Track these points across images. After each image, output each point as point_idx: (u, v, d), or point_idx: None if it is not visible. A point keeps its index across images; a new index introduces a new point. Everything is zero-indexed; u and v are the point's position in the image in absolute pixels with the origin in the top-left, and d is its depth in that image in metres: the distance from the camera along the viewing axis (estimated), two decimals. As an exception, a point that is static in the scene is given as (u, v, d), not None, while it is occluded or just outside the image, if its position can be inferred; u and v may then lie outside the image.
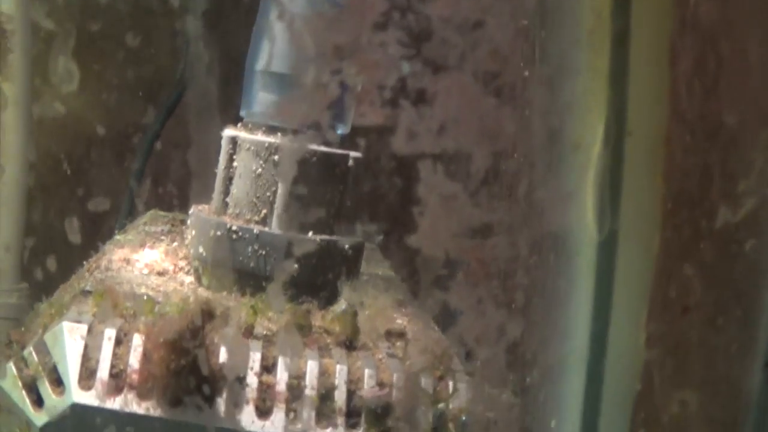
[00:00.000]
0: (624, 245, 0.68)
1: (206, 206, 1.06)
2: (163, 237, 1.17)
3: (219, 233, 0.99)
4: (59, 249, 1.16)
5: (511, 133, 0.67)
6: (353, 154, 1.02)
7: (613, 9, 0.68)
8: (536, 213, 0.70)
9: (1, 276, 1.36)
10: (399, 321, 1.01)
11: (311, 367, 0.86)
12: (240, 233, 0.99)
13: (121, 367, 0.84)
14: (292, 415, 0.85)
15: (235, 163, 1.02)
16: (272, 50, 0.96)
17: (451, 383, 0.88)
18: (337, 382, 0.86)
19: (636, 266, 0.68)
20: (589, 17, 0.67)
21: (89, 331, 0.85)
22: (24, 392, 0.84)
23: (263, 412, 0.84)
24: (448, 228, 0.65)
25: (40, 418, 0.83)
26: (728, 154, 0.68)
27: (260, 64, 1.01)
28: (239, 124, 1.05)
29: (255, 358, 0.86)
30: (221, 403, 0.83)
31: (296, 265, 0.96)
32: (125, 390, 0.83)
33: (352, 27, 0.62)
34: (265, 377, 0.86)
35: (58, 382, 0.84)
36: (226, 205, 1.03)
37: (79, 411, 0.82)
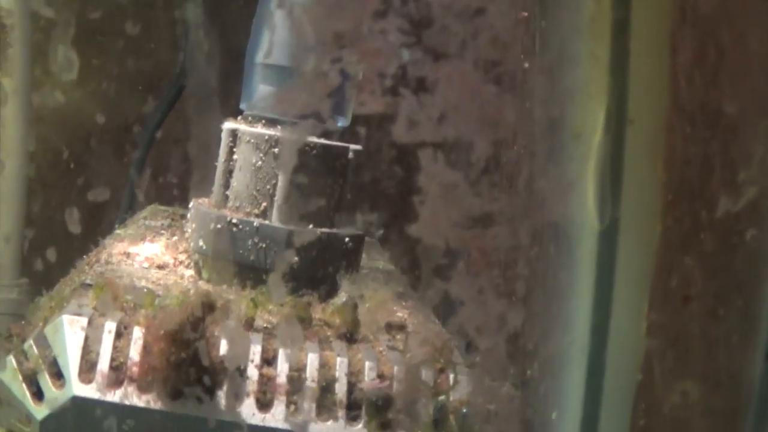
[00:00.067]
0: (625, 234, 0.68)
1: (206, 199, 1.06)
2: (163, 231, 1.17)
3: (219, 226, 0.99)
4: (59, 243, 1.16)
5: (511, 122, 0.67)
6: (353, 146, 1.02)
7: (614, -3, 0.68)
8: (537, 202, 0.69)
9: (1, 271, 1.36)
10: (399, 314, 1.01)
11: (312, 360, 0.86)
12: (240, 226, 0.98)
13: (122, 360, 0.84)
14: (292, 407, 0.84)
15: (235, 156, 1.02)
16: (272, 42, 0.96)
17: (451, 376, 0.88)
18: (337, 374, 0.86)
19: (637, 255, 0.68)
20: (590, 5, 0.66)
21: (89, 323, 0.85)
22: (24, 385, 0.84)
23: (264, 405, 0.84)
24: (449, 217, 0.65)
25: (40, 411, 0.83)
26: (729, 143, 0.68)
27: (260, 56, 1.01)
28: (239, 117, 1.05)
29: (255, 351, 0.86)
30: (222, 396, 0.83)
31: (296, 258, 0.96)
32: (125, 383, 0.83)
33: (353, 15, 0.62)
34: (266, 370, 0.86)
35: (58, 375, 0.84)
36: (226, 198, 1.03)
37: (79, 404, 0.82)
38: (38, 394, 0.84)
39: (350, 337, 0.92)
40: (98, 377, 0.83)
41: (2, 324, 1.32)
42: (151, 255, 1.05)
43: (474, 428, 0.83)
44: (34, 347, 0.85)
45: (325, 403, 0.85)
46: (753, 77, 0.68)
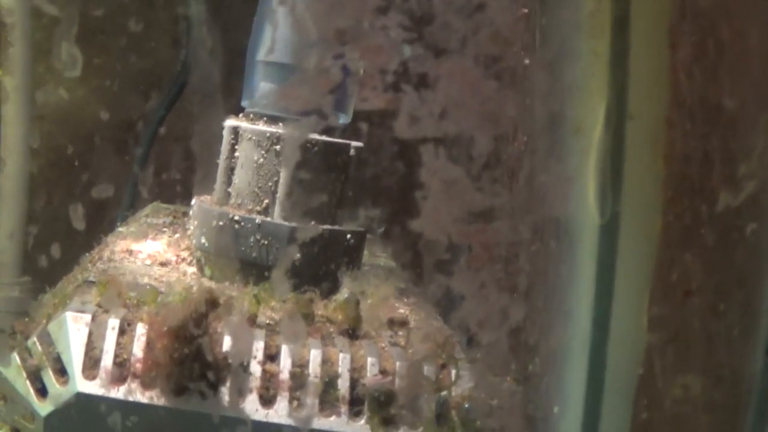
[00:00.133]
0: (626, 229, 0.68)
1: (208, 197, 1.07)
2: (165, 229, 1.18)
3: (221, 223, 0.99)
4: (60, 241, 1.16)
5: (512, 117, 0.67)
6: (354, 143, 1.02)
7: (614, -7, 0.68)
8: (537, 197, 0.70)
9: (3, 269, 1.36)
10: (401, 310, 1.01)
11: (314, 356, 0.87)
12: (242, 223, 0.99)
13: (125, 357, 0.84)
14: (295, 403, 0.85)
15: (236, 153, 1.03)
16: (273, 40, 0.96)
17: (453, 371, 0.88)
18: (340, 370, 0.86)
19: (638, 250, 0.69)
20: (590, 2, 0.67)
21: (93, 320, 0.86)
22: (28, 382, 0.84)
23: (267, 401, 0.84)
24: (451, 212, 0.65)
25: (44, 408, 0.83)
26: (729, 137, 0.68)
27: (261, 53, 1.01)
28: (241, 115, 1.05)
29: (258, 347, 0.86)
30: (225, 392, 0.84)
31: (298, 255, 0.96)
32: (129, 379, 0.83)
33: (354, 11, 0.62)
34: (269, 366, 0.86)
35: (61, 372, 0.84)
36: (228, 195, 1.03)
37: (83, 400, 0.82)
38: (42, 391, 0.84)
39: (352, 333, 0.92)
40: (102, 374, 0.83)
41: (4, 322, 1.32)
42: (153, 252, 1.06)
43: (476, 423, 0.83)
44: (38, 344, 0.85)
45: (327, 399, 0.85)
46: (752, 72, 0.68)
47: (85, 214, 1.28)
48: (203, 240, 1.01)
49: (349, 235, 1.01)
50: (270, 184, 1.00)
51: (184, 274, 1.02)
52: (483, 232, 0.67)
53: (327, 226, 1.00)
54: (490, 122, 0.65)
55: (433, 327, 0.97)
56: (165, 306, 0.86)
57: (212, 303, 0.84)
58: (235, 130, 1.03)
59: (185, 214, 1.23)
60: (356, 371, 0.87)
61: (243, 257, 0.99)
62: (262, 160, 1.00)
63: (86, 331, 0.85)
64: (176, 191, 1.43)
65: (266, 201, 1.01)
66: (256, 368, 0.85)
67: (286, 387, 0.85)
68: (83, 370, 0.83)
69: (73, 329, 0.85)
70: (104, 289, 0.90)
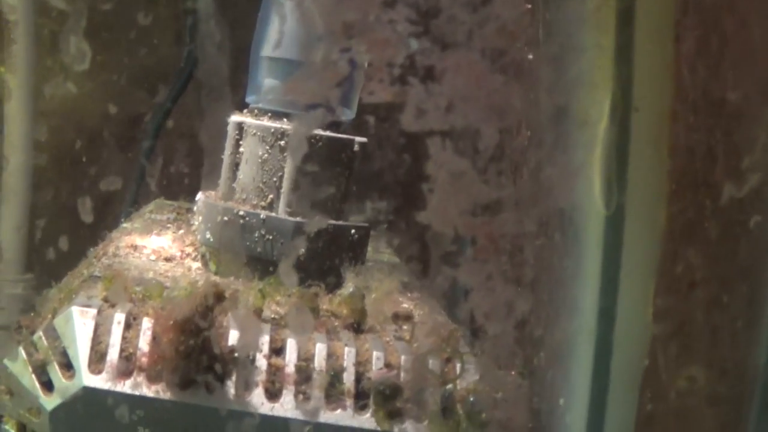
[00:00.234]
0: (631, 220, 0.68)
1: (212, 192, 1.07)
2: (169, 225, 1.18)
3: (226, 218, 1.00)
4: (64, 236, 1.16)
5: (518, 110, 0.68)
6: (358, 138, 1.02)
7: (618, -14, 0.68)
8: (544, 189, 0.70)
9: (6, 266, 1.36)
10: (405, 305, 1.02)
11: (320, 350, 0.87)
12: (247, 218, 0.99)
13: (131, 351, 0.84)
14: (301, 397, 0.85)
15: (241, 149, 1.03)
16: (278, 36, 0.97)
17: (458, 365, 0.88)
18: (345, 364, 0.87)
19: (643, 241, 0.69)
20: (595, -4, 0.67)
21: (99, 315, 0.86)
22: (34, 376, 0.84)
23: (273, 395, 0.85)
24: (457, 204, 0.66)
25: (50, 402, 0.83)
26: (733, 130, 0.69)
27: (266, 49, 1.02)
28: (245, 110, 1.05)
29: (263, 341, 0.86)
30: (231, 386, 0.84)
31: (303, 250, 0.97)
32: (135, 373, 0.83)
33: (361, 5, 0.62)
34: (274, 360, 0.86)
35: (68, 366, 0.84)
36: (232, 190, 1.03)
37: (89, 394, 0.82)
38: (48, 385, 0.84)
39: (357, 327, 0.92)
40: (108, 368, 0.83)
41: (8, 318, 1.33)
42: (158, 248, 1.06)
43: (481, 416, 0.84)
44: (44, 338, 0.85)
45: (333, 393, 0.86)
46: (756, 65, 0.69)
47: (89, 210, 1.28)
48: (208, 235, 1.01)
49: (353, 230, 1.01)
50: (274, 179, 1.01)
51: (189, 269, 1.03)
52: (489, 224, 0.67)
53: (331, 221, 1.00)
54: (496, 115, 0.65)
55: (438, 321, 0.97)
56: (170, 300, 0.86)
57: (218, 296, 0.84)
58: (240, 126, 1.03)
59: (189, 210, 1.23)
60: (361, 365, 0.87)
61: (248, 252, 0.99)
62: (266, 155, 1.01)
63: (92, 325, 0.85)
64: (184, 184, 1.43)
65: (271, 196, 1.01)
66: (261, 362, 0.85)
67: (292, 381, 0.85)
68: (89, 365, 0.83)
69: (79, 323, 0.85)
70: (110, 284, 0.90)
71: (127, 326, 0.86)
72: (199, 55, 1.24)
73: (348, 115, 1.03)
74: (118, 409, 0.83)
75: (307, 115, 0.80)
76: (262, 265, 0.98)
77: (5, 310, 1.35)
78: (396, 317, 0.96)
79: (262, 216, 0.99)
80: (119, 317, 0.86)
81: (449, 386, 0.87)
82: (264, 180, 1.01)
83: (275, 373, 0.86)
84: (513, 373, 0.80)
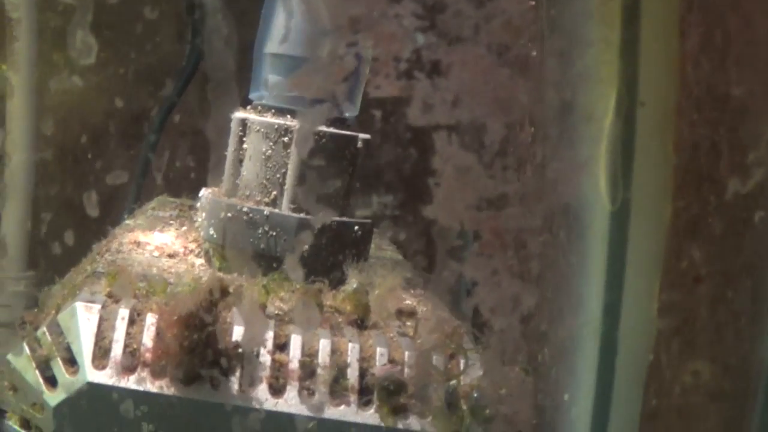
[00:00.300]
0: (636, 215, 0.68)
1: (215, 189, 1.07)
2: (171, 221, 1.18)
3: (230, 215, 1.00)
4: (65, 234, 1.16)
5: (524, 105, 0.68)
6: (362, 135, 1.02)
7: (624, -19, 0.69)
8: (549, 185, 0.70)
9: (9, 263, 1.36)
10: (408, 301, 1.02)
11: (323, 345, 0.87)
12: (250, 214, 0.99)
13: (135, 347, 0.84)
14: (305, 392, 0.85)
15: (245, 145, 1.03)
16: (282, 31, 0.97)
17: (462, 361, 0.88)
18: (349, 360, 0.87)
19: (648, 236, 0.69)
20: (601, -10, 0.67)
21: (102, 310, 0.86)
22: (38, 372, 0.84)
23: (276, 390, 0.85)
24: (463, 199, 0.66)
25: (53, 398, 0.83)
26: (738, 125, 0.69)
27: (269, 46, 1.02)
28: (248, 107, 1.05)
29: (268, 337, 0.86)
30: (235, 381, 0.84)
31: (306, 246, 0.97)
32: (139, 369, 0.83)
33: (367, 0, 0.63)
34: (278, 355, 0.86)
35: (71, 362, 0.84)
36: (236, 186, 1.03)
37: (92, 390, 0.82)
38: (51, 381, 0.84)
39: (361, 323, 0.93)
40: (111, 363, 0.83)
41: (9, 315, 1.33)
42: (161, 244, 1.06)
43: (485, 412, 0.84)
44: (48, 334, 0.85)
45: (337, 389, 0.86)
46: (761, 60, 0.69)
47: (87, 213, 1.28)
48: (211, 231, 1.02)
49: (356, 227, 1.01)
50: (278, 175, 1.01)
51: (192, 265, 1.03)
52: (495, 218, 0.67)
53: (335, 218, 1.00)
54: (502, 110, 0.65)
55: (441, 317, 0.97)
56: (174, 296, 0.86)
57: (222, 291, 0.84)
58: (243, 122, 1.03)
59: (191, 207, 1.23)
60: (365, 361, 0.87)
61: (251, 248, 0.99)
62: (270, 151, 1.01)
63: (96, 321, 0.85)
64: (190, 179, 1.43)
65: (274, 192, 1.01)
66: (265, 358, 0.85)
67: (296, 376, 0.85)
68: (93, 360, 0.83)
69: (83, 319, 0.85)
70: (113, 280, 0.90)
71: (131, 322, 0.86)
72: (206, 49, 1.24)
73: (351, 110, 1.03)
74: (122, 404, 0.83)
75: (312, 110, 0.80)
76: (266, 262, 0.98)
77: (6, 307, 1.35)
78: (400, 313, 0.96)
79: (265, 212, 0.99)
80: (123, 313, 0.86)
81: (453, 382, 0.87)
82: (267, 176, 1.01)
83: (279, 368, 0.86)
84: (517, 369, 0.80)
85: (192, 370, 0.83)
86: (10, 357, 0.86)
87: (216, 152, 1.00)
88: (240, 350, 0.85)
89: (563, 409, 0.74)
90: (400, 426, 0.85)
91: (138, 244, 1.06)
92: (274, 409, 0.84)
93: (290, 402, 0.84)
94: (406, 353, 0.88)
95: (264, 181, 1.02)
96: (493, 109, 0.65)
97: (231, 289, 0.85)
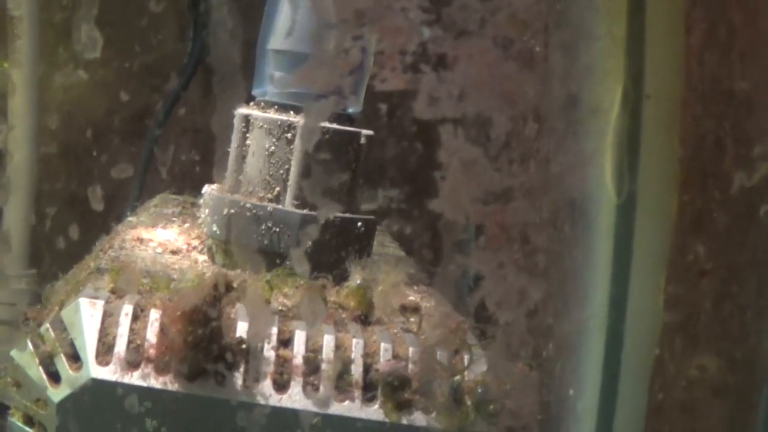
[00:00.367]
0: (642, 208, 0.68)
1: (219, 185, 1.07)
2: (174, 218, 1.18)
3: (233, 211, 1.00)
4: (70, 231, 1.16)
5: (530, 98, 0.68)
6: (365, 131, 1.02)
7: (629, -25, 0.69)
8: (554, 178, 0.70)
9: (10, 260, 1.36)
10: (412, 297, 1.02)
11: (327, 341, 0.87)
12: (254, 211, 0.99)
13: (139, 342, 0.84)
14: (309, 388, 0.85)
15: (248, 142, 1.03)
16: (286, 26, 0.97)
17: (466, 356, 0.88)
18: (353, 355, 0.87)
19: (654, 229, 0.69)
20: (606, -16, 0.67)
21: (106, 306, 0.86)
22: (41, 368, 0.84)
23: (280, 386, 0.85)
24: (469, 192, 0.66)
25: (57, 394, 0.83)
26: (744, 118, 0.69)
27: (272, 42, 1.02)
28: (251, 103, 1.05)
29: (271, 332, 0.86)
30: (239, 377, 0.84)
31: (310, 242, 0.97)
32: (142, 365, 0.83)
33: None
34: (282, 351, 0.86)
35: (75, 358, 0.84)
36: (239, 183, 1.03)
37: (96, 386, 0.82)
38: (55, 377, 0.84)
39: (365, 319, 0.92)
40: (115, 359, 0.83)
41: (11, 313, 1.32)
42: (164, 241, 1.06)
43: (490, 407, 0.83)
44: (51, 330, 0.85)
45: (341, 384, 0.86)
46: (766, 53, 0.69)
47: (92, 206, 1.28)
48: (215, 228, 1.01)
49: (359, 223, 1.01)
50: (281, 171, 1.01)
51: (196, 261, 1.02)
52: (501, 212, 0.67)
53: (338, 214, 1.00)
54: (508, 103, 0.65)
55: (445, 313, 0.97)
56: (178, 291, 0.86)
57: (227, 286, 0.84)
58: (246, 119, 1.03)
59: (194, 204, 1.23)
60: (369, 356, 0.87)
61: (255, 244, 0.99)
62: (273, 147, 1.01)
63: (100, 317, 0.85)
64: (195, 172, 1.43)
65: (278, 188, 1.01)
66: (269, 353, 0.85)
67: (300, 372, 0.85)
68: (97, 356, 0.83)
69: (86, 315, 0.85)
70: (117, 276, 0.90)
71: (135, 318, 0.85)
72: (211, 42, 1.24)
73: (356, 106, 1.03)
74: (126, 400, 0.82)
75: (318, 103, 0.80)
76: (269, 258, 0.98)
77: (8, 305, 1.35)
78: (403, 309, 0.96)
79: (269, 208, 0.99)
80: (127, 309, 0.86)
81: (457, 378, 0.87)
82: (271, 172, 1.01)
83: (283, 364, 0.85)
84: (521, 364, 0.80)
85: (196, 365, 0.83)
86: (13, 353, 0.86)
87: (222, 146, 1.00)
88: (244, 346, 0.85)
89: (569, 403, 0.74)
90: (404, 421, 0.85)
91: (141, 240, 1.06)
92: (278, 404, 0.84)
93: (294, 397, 0.84)
94: (410, 349, 0.88)
95: (267, 178, 1.01)
96: (499, 102, 0.65)
97: (235, 284, 0.85)
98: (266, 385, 0.84)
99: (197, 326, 0.82)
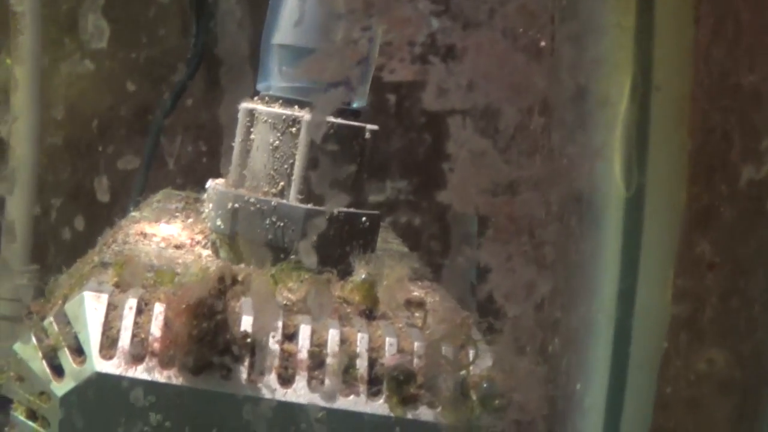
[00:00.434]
0: (651, 201, 0.68)
1: (223, 180, 1.07)
2: (177, 213, 1.18)
3: (237, 205, 0.99)
4: (73, 226, 1.16)
5: (539, 90, 0.68)
6: (370, 126, 1.02)
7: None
8: (563, 170, 0.70)
9: (12, 256, 1.36)
10: (416, 292, 1.01)
11: (332, 336, 0.87)
12: (258, 205, 0.99)
13: (143, 336, 0.84)
14: (314, 382, 0.85)
15: (252, 136, 1.03)
16: (294, 17, 0.97)
17: (471, 351, 0.88)
18: (358, 350, 0.86)
19: (663, 222, 0.69)
20: (615, -24, 0.67)
21: (110, 300, 0.85)
22: (44, 362, 0.84)
23: (285, 380, 0.84)
24: (478, 184, 0.65)
25: (60, 388, 0.82)
26: (753, 110, 0.69)
27: (277, 37, 1.01)
28: (256, 97, 1.05)
29: (276, 326, 0.86)
30: (244, 371, 0.83)
31: (314, 237, 0.96)
32: (147, 358, 0.83)
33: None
34: (287, 345, 0.86)
35: (79, 352, 0.83)
36: (243, 177, 1.03)
37: (100, 379, 0.82)
38: (58, 371, 0.83)
39: (370, 314, 0.92)
40: (119, 353, 0.83)
41: (13, 308, 1.32)
42: (167, 235, 1.06)
43: (495, 402, 0.83)
44: (55, 324, 0.85)
45: (346, 379, 0.85)
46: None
47: (95, 203, 1.27)
48: (219, 222, 1.01)
49: (364, 218, 1.01)
50: (285, 166, 1.01)
51: (200, 256, 1.02)
52: (509, 204, 0.67)
53: (342, 209, 1.00)
54: (516, 94, 0.65)
55: (450, 308, 0.97)
56: (182, 285, 0.86)
57: (231, 279, 0.84)
58: (251, 113, 1.03)
59: (197, 199, 1.23)
60: (374, 351, 0.87)
61: (259, 239, 0.99)
62: (277, 142, 1.01)
63: (104, 310, 0.85)
64: (203, 163, 1.43)
65: (282, 183, 1.01)
66: (274, 347, 0.85)
67: (305, 366, 0.85)
68: (101, 350, 0.83)
69: (90, 308, 0.85)
70: (121, 270, 0.89)
71: (139, 311, 0.85)
72: (219, 32, 1.24)
73: (361, 100, 1.03)
74: (130, 394, 0.82)
75: (325, 94, 0.79)
76: (274, 252, 0.98)
77: (10, 301, 1.34)
78: (408, 304, 0.96)
79: (273, 203, 0.99)
80: (131, 302, 0.85)
81: (462, 373, 0.86)
82: (275, 167, 1.01)
83: (288, 358, 0.85)
84: (527, 359, 0.80)
85: (200, 359, 0.82)
86: (16, 347, 0.86)
87: (228, 137, 0.99)
88: (249, 340, 0.84)
89: (576, 398, 0.74)
90: (409, 416, 0.84)
91: (144, 235, 1.05)
92: (283, 399, 0.83)
93: (299, 392, 0.84)
94: (415, 343, 0.88)
95: (272, 172, 1.01)
96: (508, 93, 0.65)
97: (240, 278, 0.85)
98: (271, 379, 0.84)
99: (202, 320, 0.82)
